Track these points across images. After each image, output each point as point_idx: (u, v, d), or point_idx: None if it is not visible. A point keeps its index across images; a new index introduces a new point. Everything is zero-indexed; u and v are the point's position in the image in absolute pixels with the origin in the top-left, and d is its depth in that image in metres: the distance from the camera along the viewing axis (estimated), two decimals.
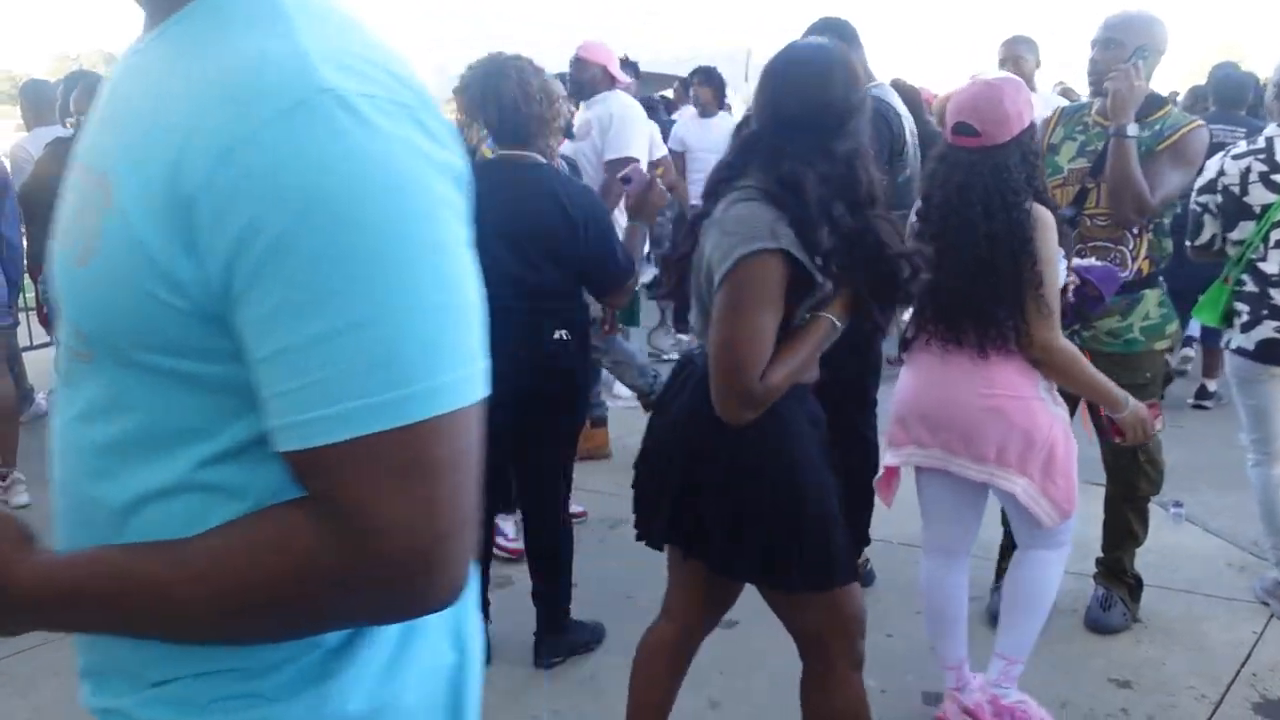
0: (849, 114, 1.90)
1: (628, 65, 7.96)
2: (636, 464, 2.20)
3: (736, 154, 2.00)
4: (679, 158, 6.70)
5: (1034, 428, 2.42)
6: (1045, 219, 2.35)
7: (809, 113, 1.88)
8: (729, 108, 10.50)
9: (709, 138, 6.76)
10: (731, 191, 1.92)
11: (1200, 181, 3.35)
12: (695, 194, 6.68)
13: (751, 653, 3.12)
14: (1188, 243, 3.45)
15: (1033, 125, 2.44)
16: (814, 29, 3.35)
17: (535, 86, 2.87)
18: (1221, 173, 3.26)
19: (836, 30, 3.34)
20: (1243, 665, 3.03)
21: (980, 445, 2.44)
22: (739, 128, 2.08)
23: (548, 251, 2.82)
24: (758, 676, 3.01)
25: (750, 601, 3.42)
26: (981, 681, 2.70)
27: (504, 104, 2.85)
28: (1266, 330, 3.17)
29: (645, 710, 2.28)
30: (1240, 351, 3.24)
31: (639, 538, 2.20)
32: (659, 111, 9.27)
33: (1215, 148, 4.26)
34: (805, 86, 1.89)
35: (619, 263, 2.93)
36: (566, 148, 4.42)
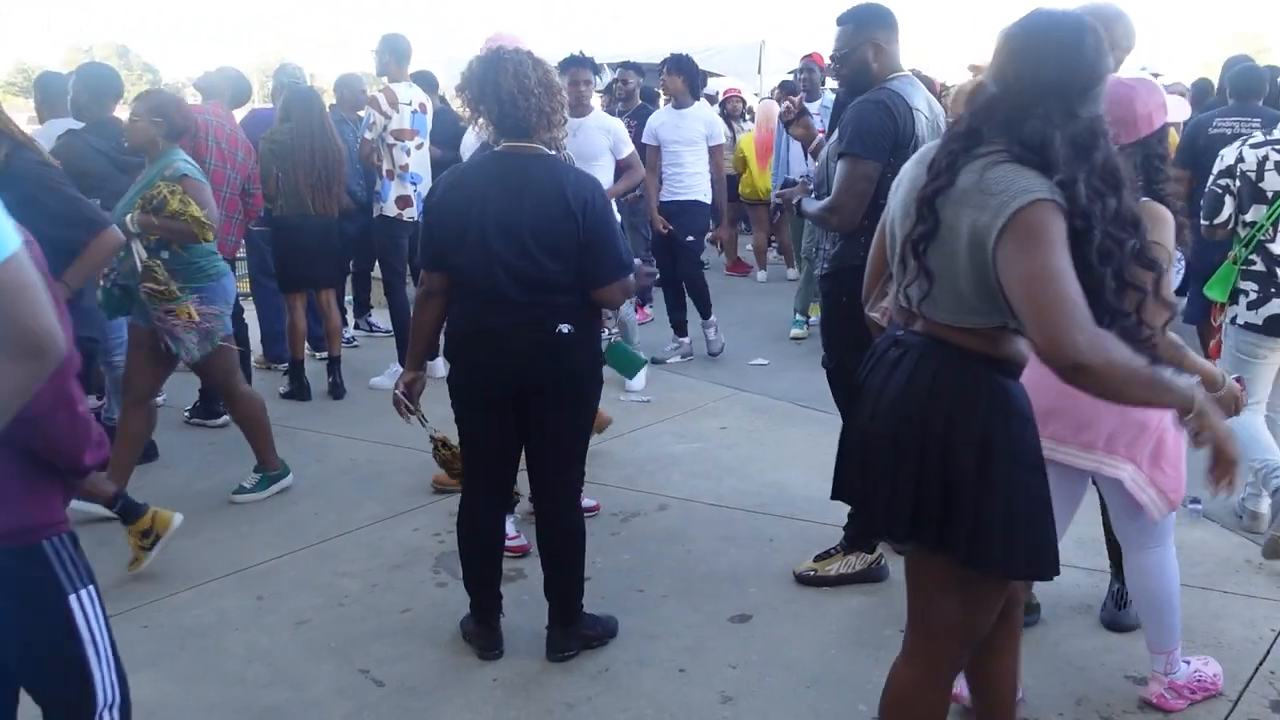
0: (1097, 80, 1.88)
1: (630, 67, 7.85)
2: (853, 456, 2.11)
3: (972, 119, 1.93)
4: (651, 151, 6.44)
5: (1145, 415, 2.45)
6: (1159, 216, 2.34)
7: (1061, 76, 1.84)
8: (713, 97, 10.39)
9: (683, 129, 6.45)
10: (972, 161, 1.87)
11: (1219, 166, 3.69)
12: (669, 190, 6.40)
13: (765, 647, 3.12)
14: (1204, 221, 3.75)
15: (1163, 128, 2.43)
16: (851, 14, 3.30)
17: (534, 80, 2.83)
18: (1240, 159, 3.60)
19: (877, 17, 3.29)
20: (1261, 662, 3.01)
21: (1091, 432, 2.46)
22: (973, 96, 1.98)
23: (549, 244, 2.79)
24: (771, 670, 3.00)
25: (764, 596, 3.43)
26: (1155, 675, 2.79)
27: (502, 98, 2.81)
28: (1275, 307, 3.54)
29: (1006, 701, 2.27)
30: (1249, 327, 3.59)
31: (880, 536, 2.14)
32: (659, 103, 9.18)
33: (1233, 138, 4.56)
34: (1060, 48, 1.85)
35: (617, 255, 2.88)
36: (469, 143, 4.17)
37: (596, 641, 3.10)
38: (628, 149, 5.18)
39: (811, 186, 3.59)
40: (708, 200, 6.55)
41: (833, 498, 2.19)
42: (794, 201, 3.49)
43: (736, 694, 2.89)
